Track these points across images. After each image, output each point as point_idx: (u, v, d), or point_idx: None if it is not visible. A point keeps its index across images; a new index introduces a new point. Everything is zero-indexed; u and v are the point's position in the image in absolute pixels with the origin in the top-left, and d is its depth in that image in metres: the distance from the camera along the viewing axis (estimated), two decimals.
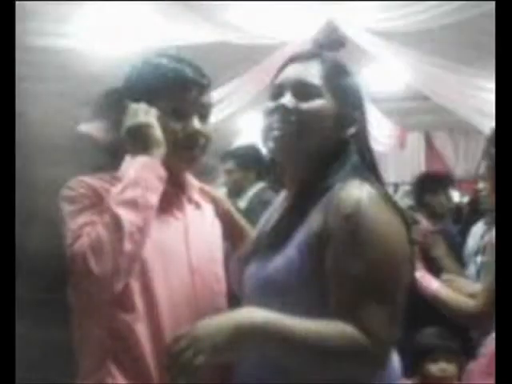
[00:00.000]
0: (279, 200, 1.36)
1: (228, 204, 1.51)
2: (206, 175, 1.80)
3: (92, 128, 1.94)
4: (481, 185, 2.07)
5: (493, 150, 1.82)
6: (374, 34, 3.82)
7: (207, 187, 1.49)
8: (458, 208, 4.35)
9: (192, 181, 1.42)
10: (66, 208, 1.21)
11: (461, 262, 2.65)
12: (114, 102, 1.41)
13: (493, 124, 1.69)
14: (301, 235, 1.15)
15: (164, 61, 1.31)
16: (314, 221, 1.14)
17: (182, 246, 1.29)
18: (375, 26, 3.67)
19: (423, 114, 6.57)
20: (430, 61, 4.06)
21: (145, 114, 1.24)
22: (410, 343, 2.18)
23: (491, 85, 3.70)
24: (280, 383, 1.12)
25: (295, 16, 3.65)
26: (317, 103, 1.21)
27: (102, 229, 1.12)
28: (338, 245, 1.09)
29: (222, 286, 1.35)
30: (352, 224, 1.08)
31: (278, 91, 1.25)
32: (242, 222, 1.50)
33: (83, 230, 1.14)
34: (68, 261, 1.13)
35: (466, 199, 5.21)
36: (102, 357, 1.20)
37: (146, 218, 1.16)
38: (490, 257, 1.97)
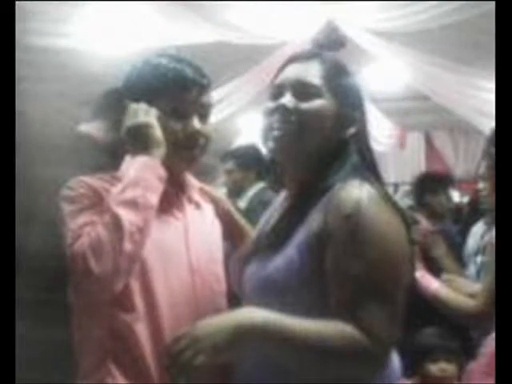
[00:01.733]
0: (279, 200, 1.36)
1: (228, 204, 1.50)
2: (205, 175, 1.80)
3: (92, 128, 1.94)
4: (481, 185, 2.06)
5: (493, 150, 1.82)
6: (374, 33, 3.82)
7: (207, 187, 1.49)
8: (458, 208, 4.34)
9: (192, 181, 1.41)
10: (66, 208, 1.21)
11: (461, 262, 2.65)
12: (114, 101, 1.41)
13: (493, 124, 1.69)
14: (301, 235, 1.15)
15: (164, 61, 1.31)
16: (314, 221, 1.14)
17: (182, 246, 1.29)
18: (375, 26, 3.68)
19: (423, 114, 6.57)
20: (430, 61, 4.07)
21: (145, 114, 1.24)
22: (410, 343, 2.18)
23: (491, 85, 3.71)
24: (280, 383, 1.12)
25: (295, 16, 3.66)
26: (317, 103, 1.21)
27: (102, 229, 1.12)
28: (338, 245, 1.09)
29: (222, 286, 1.35)
30: (352, 224, 1.08)
31: (278, 91, 1.25)
32: (242, 221, 1.50)
33: (83, 229, 1.15)
34: (68, 261, 1.13)
35: (466, 199, 5.20)
36: (101, 357, 1.20)
37: (146, 218, 1.16)
38: (490, 257, 1.97)
